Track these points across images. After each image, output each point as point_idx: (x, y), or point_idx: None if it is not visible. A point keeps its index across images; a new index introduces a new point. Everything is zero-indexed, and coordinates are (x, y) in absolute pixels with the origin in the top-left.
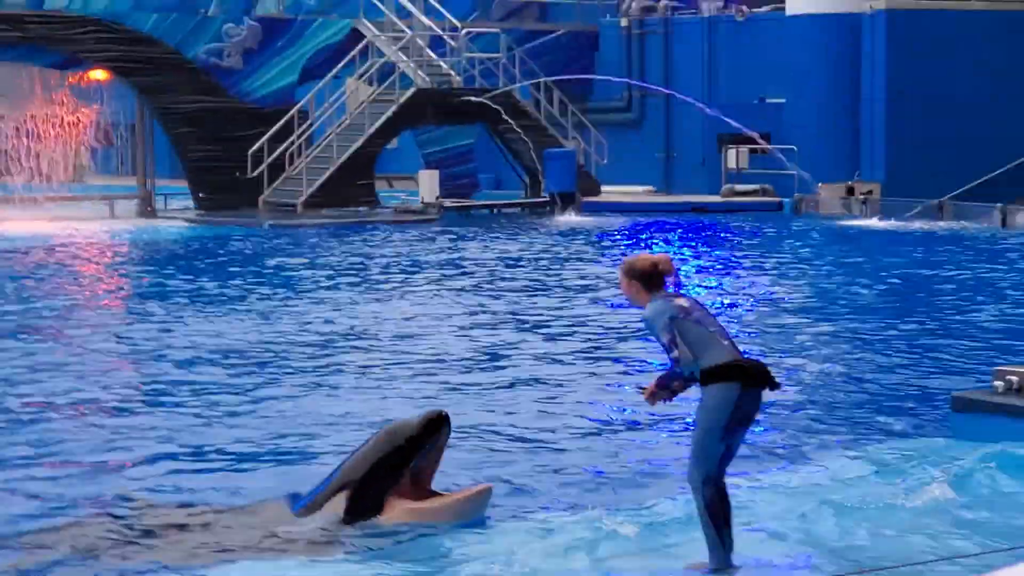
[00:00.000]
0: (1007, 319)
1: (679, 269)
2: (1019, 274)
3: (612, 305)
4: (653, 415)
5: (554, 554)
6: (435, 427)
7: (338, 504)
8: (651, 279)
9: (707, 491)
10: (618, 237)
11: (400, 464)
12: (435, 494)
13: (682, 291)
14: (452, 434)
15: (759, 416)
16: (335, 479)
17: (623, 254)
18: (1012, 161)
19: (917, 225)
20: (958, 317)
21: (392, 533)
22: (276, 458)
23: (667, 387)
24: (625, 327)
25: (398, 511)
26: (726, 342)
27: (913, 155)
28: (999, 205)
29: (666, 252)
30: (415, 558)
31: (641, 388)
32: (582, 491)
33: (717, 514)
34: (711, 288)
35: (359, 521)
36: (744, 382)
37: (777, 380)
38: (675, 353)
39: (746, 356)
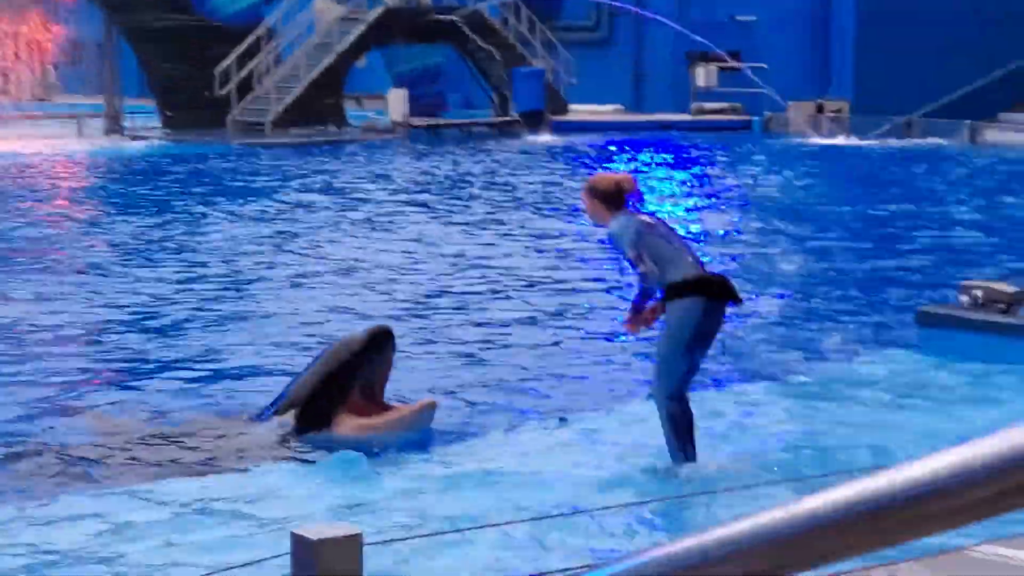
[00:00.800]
0: (973, 235)
1: (640, 188)
2: (985, 190)
3: (573, 222)
4: (614, 332)
5: (514, 457)
6: (379, 341)
7: (289, 419)
8: (613, 198)
9: (671, 405)
10: (586, 155)
11: (347, 379)
12: (385, 408)
13: (642, 209)
14: (409, 348)
15: (721, 332)
16: (286, 396)
17: (590, 173)
18: (983, 78)
19: (886, 143)
20: (924, 233)
21: (340, 448)
22: (233, 373)
23: (642, 311)
24: (586, 245)
25: (347, 426)
26: (690, 258)
27: (883, 73)
28: (968, 122)
29: (629, 172)
30: (367, 472)
31: (625, 323)
32: (536, 399)
33: (680, 426)
34: (677, 206)
35: (310, 434)
36: (708, 296)
37: (740, 295)
38: (641, 268)
39: (709, 272)
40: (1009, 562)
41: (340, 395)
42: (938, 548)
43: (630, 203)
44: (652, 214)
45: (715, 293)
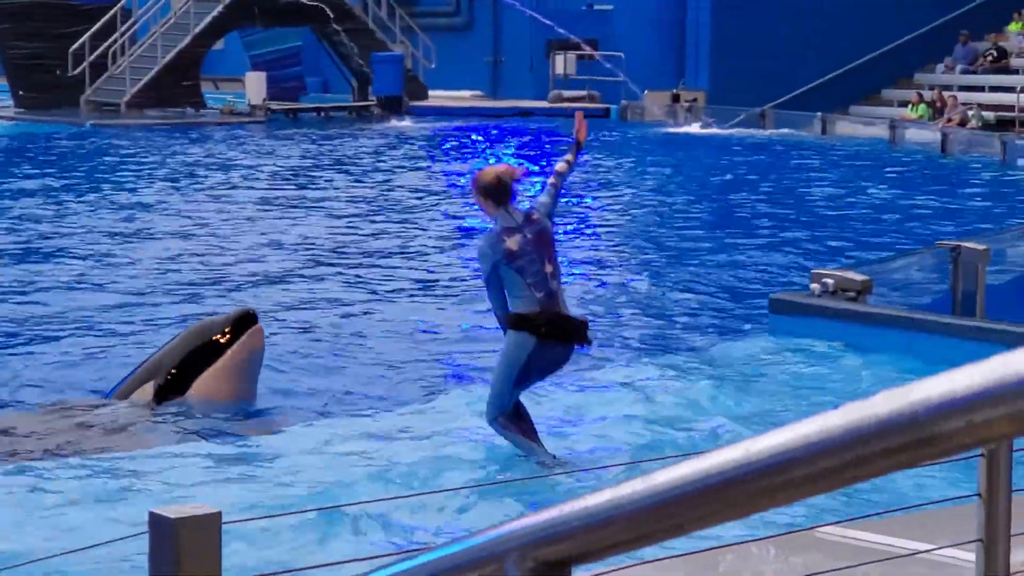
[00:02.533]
0: (823, 224)
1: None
2: (835, 181)
3: (436, 206)
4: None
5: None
6: (244, 324)
7: (146, 392)
8: (496, 192)
9: (501, 421)
10: (443, 141)
11: (209, 360)
12: None
13: (532, 206)
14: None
15: (565, 367)
16: (142, 370)
17: (444, 156)
18: (836, 69)
19: (740, 132)
20: (777, 222)
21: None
22: (82, 353)
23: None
24: (440, 227)
25: (198, 387)
26: (540, 294)
27: (738, 63)
28: (819, 114)
29: (512, 164)
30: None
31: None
32: (389, 386)
33: (518, 433)
34: (529, 196)
35: (166, 403)
36: (541, 335)
37: (587, 338)
38: (488, 292)
39: (556, 310)
40: (855, 543)
41: (200, 371)
42: (787, 528)
43: (514, 197)
44: (527, 225)
45: (546, 334)
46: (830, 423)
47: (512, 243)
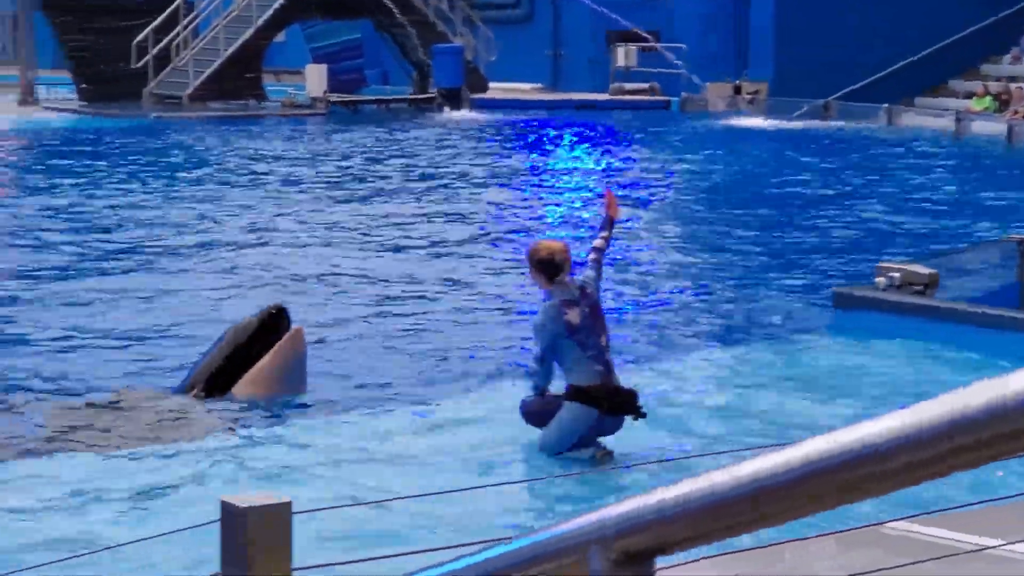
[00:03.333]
0: (890, 217)
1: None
2: (901, 173)
3: (482, 199)
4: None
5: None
6: (273, 321)
7: (194, 397)
8: (548, 267)
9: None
10: (504, 133)
11: (245, 361)
12: None
13: (580, 280)
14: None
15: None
16: (190, 376)
17: (507, 149)
18: (901, 60)
19: (803, 124)
20: (841, 215)
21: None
22: (145, 347)
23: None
24: (499, 220)
25: (240, 387)
26: (599, 366)
27: (802, 54)
28: (885, 105)
29: (564, 241)
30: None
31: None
32: (448, 376)
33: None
34: (590, 188)
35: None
36: (604, 409)
37: (643, 411)
38: (533, 367)
39: (614, 383)
40: (921, 538)
41: (240, 373)
42: (851, 523)
43: (569, 272)
44: (584, 298)
45: (610, 409)
46: (924, 413)
47: (573, 316)
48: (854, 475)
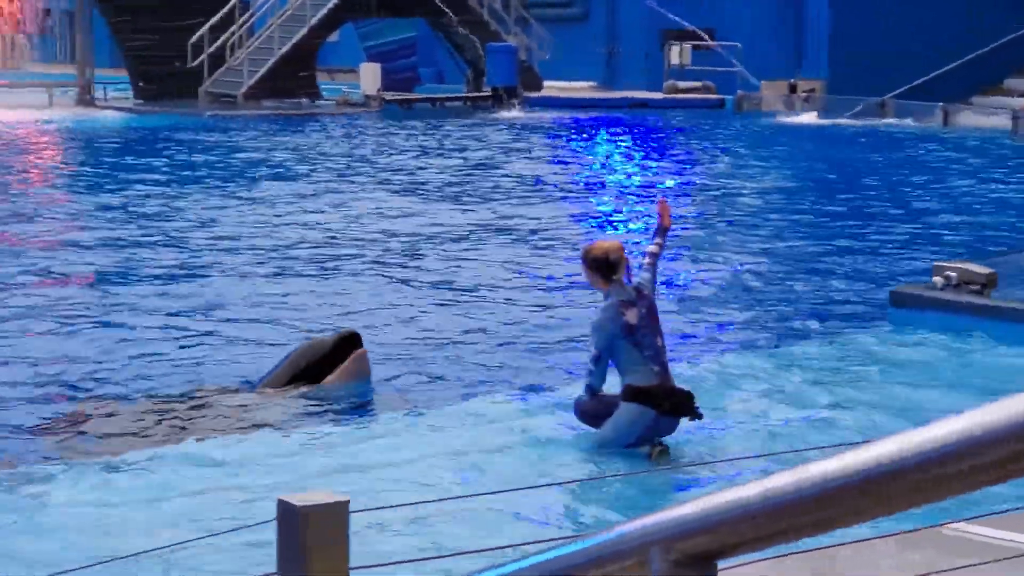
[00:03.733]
0: (946, 216)
1: (628, 259)
2: (958, 172)
3: (555, 197)
4: (566, 319)
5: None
6: (347, 345)
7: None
8: (604, 267)
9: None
10: (557, 132)
11: (313, 379)
12: None
13: (636, 282)
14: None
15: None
16: (257, 387)
17: (561, 147)
18: (957, 59)
19: (859, 123)
20: (898, 214)
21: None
22: (209, 344)
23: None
24: (552, 224)
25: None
26: (656, 367)
27: (858, 53)
28: (941, 104)
29: (619, 241)
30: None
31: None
32: (502, 376)
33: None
34: (643, 187)
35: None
36: (663, 410)
37: (699, 412)
38: (589, 366)
39: (670, 384)
40: (980, 540)
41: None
42: (911, 525)
43: (627, 271)
44: (640, 299)
45: (667, 410)
46: (997, 414)
47: (631, 316)
48: (924, 477)
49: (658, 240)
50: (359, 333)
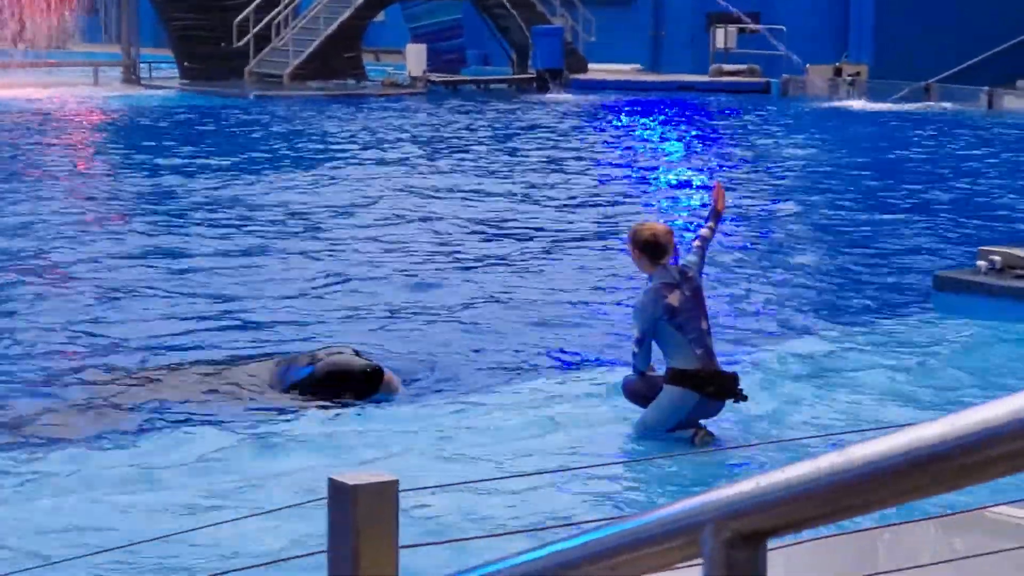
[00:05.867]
0: (990, 200)
1: (676, 243)
2: (1003, 156)
3: (602, 181)
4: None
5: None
6: (374, 381)
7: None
8: (652, 249)
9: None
10: (603, 114)
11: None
12: None
13: (681, 263)
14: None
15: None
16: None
17: (607, 130)
18: (1002, 43)
19: (904, 107)
20: (943, 198)
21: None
22: (255, 322)
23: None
24: (599, 207)
25: None
26: (699, 350)
27: (902, 37)
28: (986, 88)
29: (668, 224)
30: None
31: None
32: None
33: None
34: (687, 168)
35: None
36: (707, 393)
37: (744, 394)
38: (635, 348)
39: (715, 367)
40: (1020, 523)
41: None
42: (955, 508)
43: (673, 254)
44: (685, 282)
45: (711, 393)
46: None
47: (673, 299)
48: (969, 459)
49: (711, 224)
50: (384, 373)
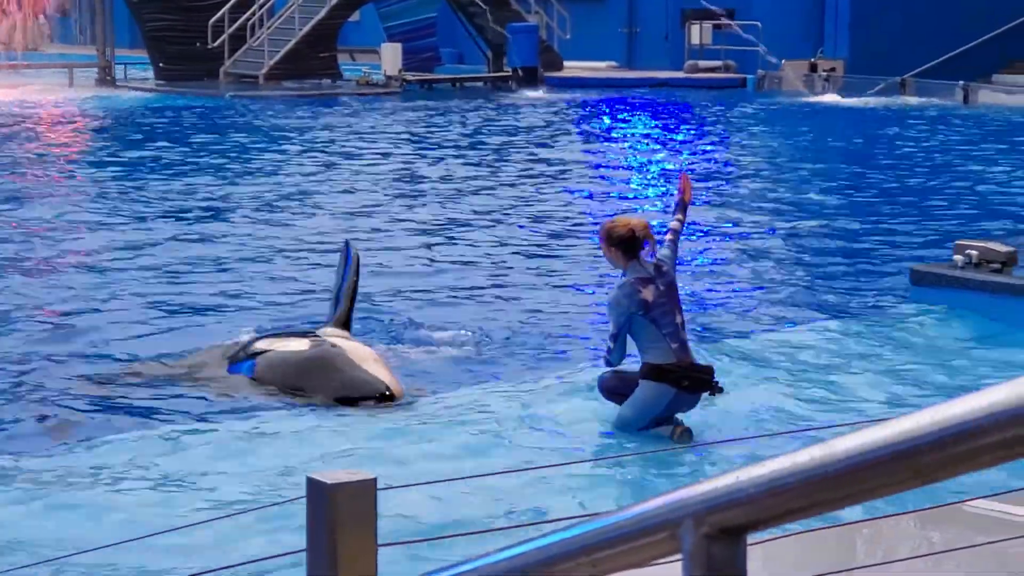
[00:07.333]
0: (966, 194)
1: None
2: (979, 151)
3: (577, 178)
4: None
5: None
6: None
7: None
8: (628, 245)
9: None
10: (579, 112)
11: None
12: None
13: (655, 258)
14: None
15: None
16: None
17: (583, 128)
18: (978, 37)
19: (879, 102)
20: (918, 192)
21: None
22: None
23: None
24: (575, 204)
25: None
26: (675, 344)
27: (878, 32)
28: (962, 83)
29: (643, 218)
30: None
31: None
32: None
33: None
34: (664, 164)
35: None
36: (683, 387)
37: (720, 386)
38: (610, 344)
39: (689, 360)
40: (1003, 517)
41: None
42: (934, 501)
43: (646, 248)
44: (659, 276)
45: (687, 387)
46: (1022, 390)
47: (648, 293)
48: (946, 453)
49: (679, 216)
50: (398, 396)
